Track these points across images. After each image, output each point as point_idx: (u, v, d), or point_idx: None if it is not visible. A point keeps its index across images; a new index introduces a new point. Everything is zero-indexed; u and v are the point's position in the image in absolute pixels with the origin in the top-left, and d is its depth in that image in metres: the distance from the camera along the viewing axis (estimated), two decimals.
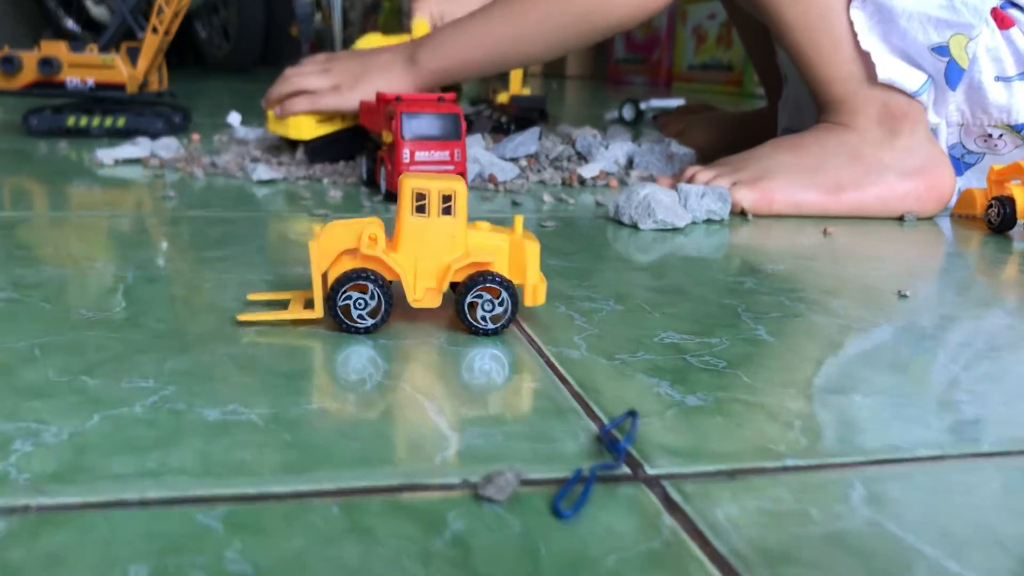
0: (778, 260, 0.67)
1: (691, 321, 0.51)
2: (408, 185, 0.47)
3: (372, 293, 0.46)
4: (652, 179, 1.01)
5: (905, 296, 0.58)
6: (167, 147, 1.07)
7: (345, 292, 0.46)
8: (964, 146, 0.90)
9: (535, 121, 1.14)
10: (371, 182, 0.93)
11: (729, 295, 0.57)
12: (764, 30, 1.02)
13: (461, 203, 0.47)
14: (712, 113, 1.28)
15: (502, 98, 1.76)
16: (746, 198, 0.84)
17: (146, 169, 1.00)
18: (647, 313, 0.52)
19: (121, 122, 1.26)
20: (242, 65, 3.40)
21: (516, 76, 1.73)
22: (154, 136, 1.25)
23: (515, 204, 0.87)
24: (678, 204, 0.78)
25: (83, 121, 1.26)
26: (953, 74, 0.84)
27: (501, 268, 0.48)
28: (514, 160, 1.03)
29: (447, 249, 0.47)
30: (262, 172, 0.94)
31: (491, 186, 0.94)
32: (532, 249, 0.48)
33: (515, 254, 0.48)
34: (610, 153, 1.05)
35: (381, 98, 0.87)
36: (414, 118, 0.82)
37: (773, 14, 0.88)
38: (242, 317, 0.47)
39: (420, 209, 0.47)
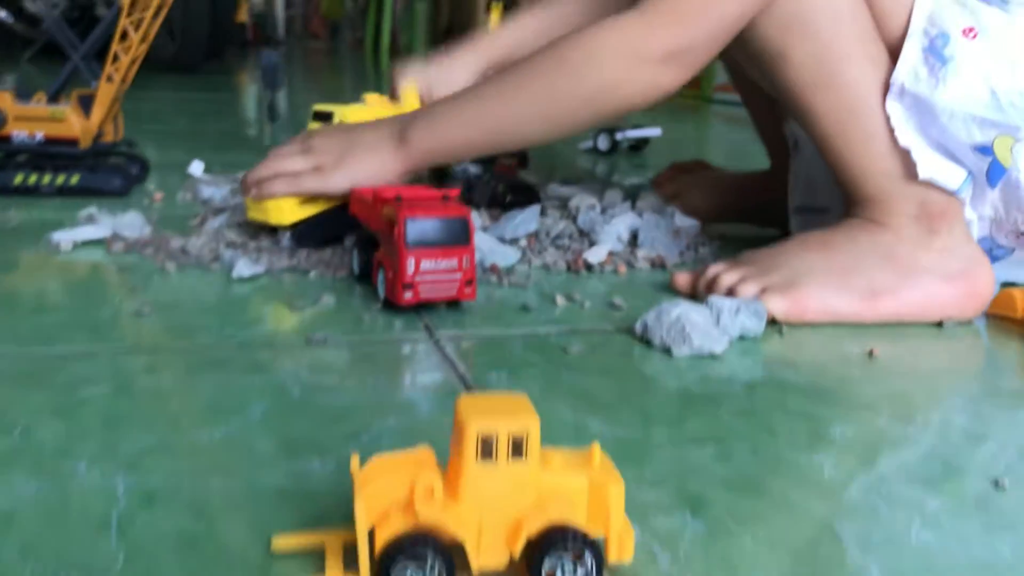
0: (851, 404, 0.61)
1: (793, 555, 0.45)
2: (472, 428, 0.39)
3: (432, 565, 0.38)
4: (663, 264, 0.94)
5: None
6: (131, 225, 0.97)
7: (401, 565, 0.38)
8: (994, 240, 0.85)
9: (534, 191, 1.06)
10: (364, 277, 0.85)
11: (824, 495, 0.51)
12: (771, 99, 0.96)
13: (534, 443, 0.40)
14: (709, 173, 1.22)
15: None
16: (778, 307, 0.77)
17: (109, 255, 0.90)
18: (734, 535, 0.46)
19: (75, 180, 1.15)
20: (189, 64, 3.25)
21: None
22: (113, 193, 1.15)
23: (525, 309, 0.79)
24: (712, 323, 0.71)
25: (32, 179, 1.15)
26: (995, 173, 0.79)
27: (580, 516, 0.41)
28: (514, 240, 0.96)
29: (516, 498, 0.40)
30: (242, 268, 0.85)
31: (493, 278, 0.87)
32: (616, 493, 0.41)
33: (596, 498, 0.41)
34: (612, 228, 0.98)
35: (378, 196, 0.79)
36: (419, 223, 0.74)
37: (799, 101, 0.82)
38: None
39: (486, 454, 0.39)
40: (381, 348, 0.69)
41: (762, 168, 1.18)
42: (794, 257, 0.81)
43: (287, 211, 0.90)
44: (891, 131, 0.79)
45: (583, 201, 1.06)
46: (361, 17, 6.25)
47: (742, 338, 0.74)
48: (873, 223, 0.81)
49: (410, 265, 0.74)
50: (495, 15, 1.69)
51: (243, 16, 5.50)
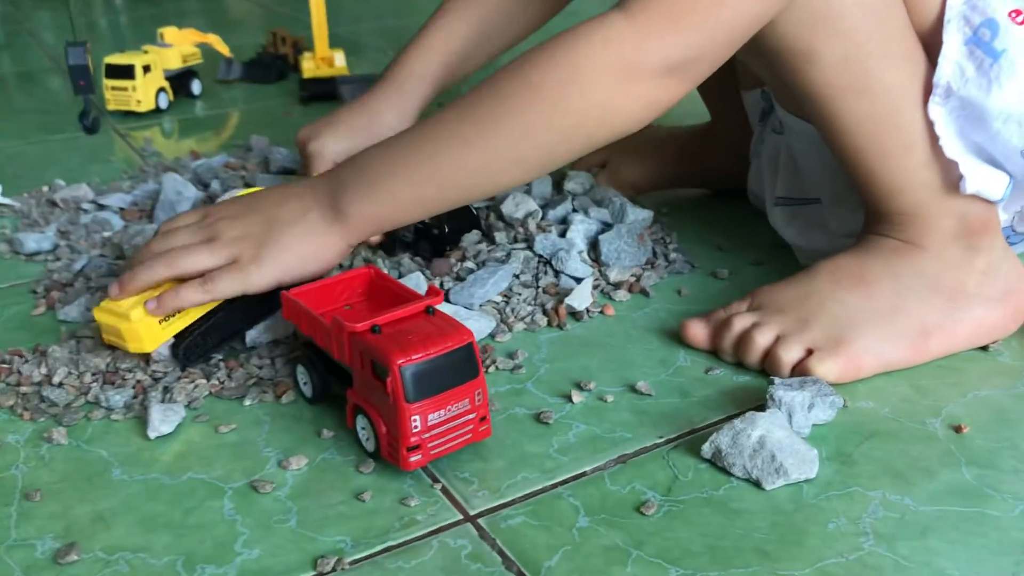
0: None
1: None
2: None
3: None
4: (643, 292, 0.81)
5: None
6: None
7: None
8: (1013, 229, 0.76)
9: (469, 212, 0.87)
10: (316, 399, 0.67)
11: None
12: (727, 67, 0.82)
13: None
14: (636, 135, 1.06)
15: (307, 66, 1.44)
16: (832, 372, 0.66)
17: None
18: None
19: None
20: None
21: (321, 36, 1.41)
22: None
23: (542, 423, 0.64)
24: (796, 437, 0.59)
25: None
26: None
27: None
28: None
29: None
30: (160, 421, 0.64)
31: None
32: None
33: None
34: (574, 251, 0.83)
35: (342, 326, 0.60)
36: (418, 370, 0.57)
37: (826, 107, 0.68)
38: None
39: None
40: (409, 557, 0.53)
41: (692, 123, 1.04)
42: (830, 300, 0.70)
43: (147, 335, 0.68)
44: (932, 139, 0.67)
45: (520, 207, 0.89)
46: None
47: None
48: (910, 245, 0.70)
49: (415, 424, 0.57)
50: None
51: None
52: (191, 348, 0.70)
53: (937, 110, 0.67)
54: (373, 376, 0.59)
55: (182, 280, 0.68)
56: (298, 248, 0.68)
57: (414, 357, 0.57)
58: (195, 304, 0.68)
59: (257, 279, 0.68)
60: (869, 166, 0.69)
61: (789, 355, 0.67)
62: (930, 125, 0.67)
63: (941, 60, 0.66)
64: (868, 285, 0.70)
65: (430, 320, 0.60)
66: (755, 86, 0.87)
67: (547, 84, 0.64)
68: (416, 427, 0.57)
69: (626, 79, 0.64)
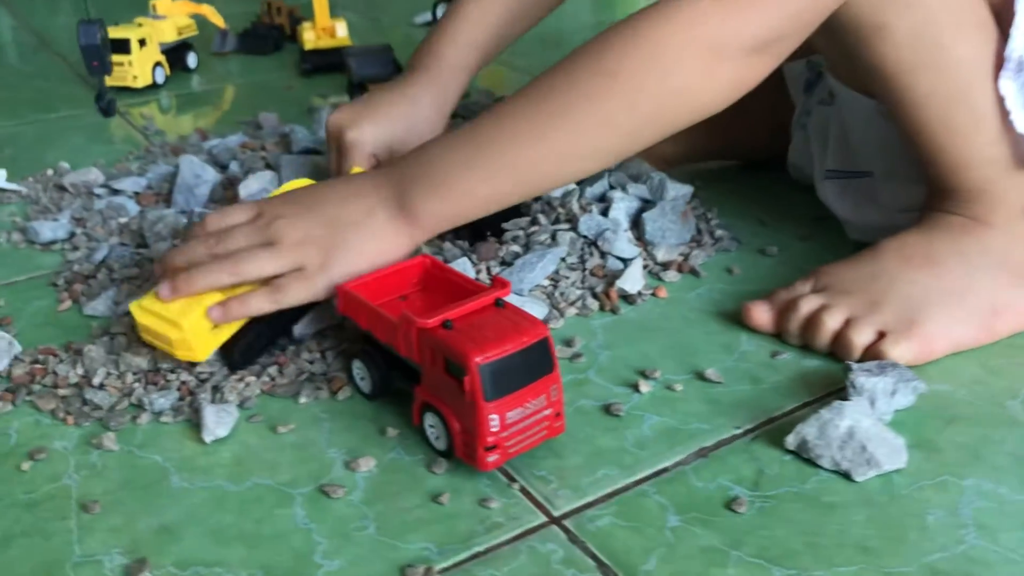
0: None
1: None
2: None
3: None
4: (693, 271, 0.78)
5: None
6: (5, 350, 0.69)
7: None
8: None
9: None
10: (374, 395, 0.64)
11: None
12: None
13: None
14: None
15: (308, 37, 1.39)
16: (905, 354, 0.65)
17: None
18: None
19: None
20: None
21: (322, 6, 1.36)
22: None
23: (611, 414, 0.62)
24: (883, 427, 0.58)
25: None
26: None
27: None
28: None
29: None
30: (215, 423, 0.61)
31: None
32: None
33: None
34: (620, 230, 0.80)
35: (412, 321, 0.57)
36: (497, 367, 0.54)
37: (894, 82, 0.66)
38: None
39: None
40: (500, 564, 0.51)
41: None
42: (899, 280, 0.68)
43: (198, 343, 0.64)
44: (1002, 114, 0.65)
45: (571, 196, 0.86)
46: None
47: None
48: (977, 223, 0.69)
49: (493, 423, 0.55)
50: None
51: None
52: (247, 351, 0.67)
53: (1008, 84, 0.65)
54: (446, 373, 0.56)
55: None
56: (365, 251, 0.65)
57: (492, 354, 0.54)
58: (262, 313, 0.64)
59: (325, 287, 0.64)
60: (937, 142, 0.67)
61: (861, 338, 0.65)
62: (1000, 100, 0.65)
63: (1014, 31, 0.64)
64: (936, 264, 0.68)
65: (501, 313, 0.58)
66: (799, 56, 0.84)
67: (626, 69, 0.62)
68: (495, 426, 0.55)
69: (711, 60, 0.61)
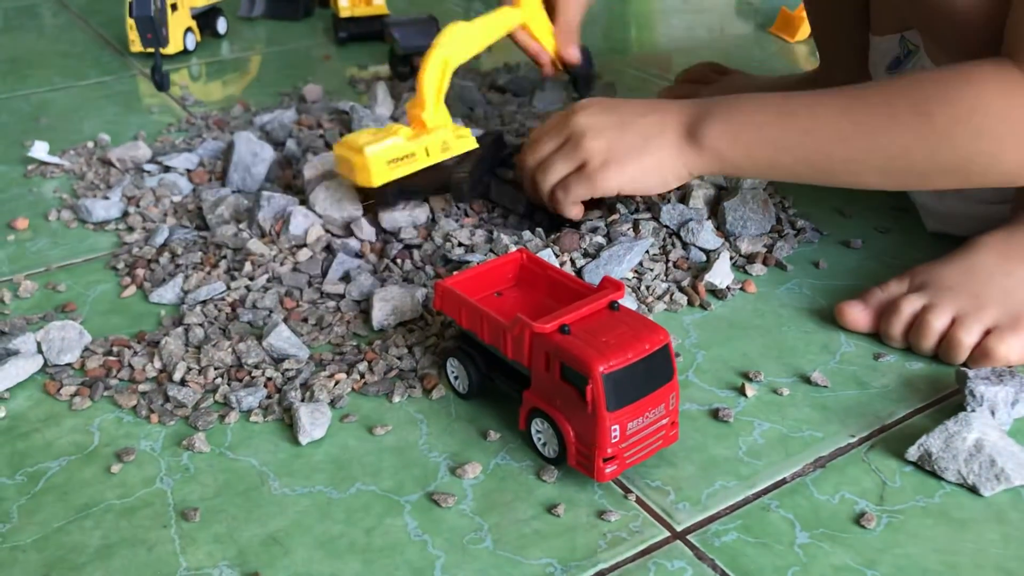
0: None
1: None
2: None
3: None
4: (779, 264, 0.76)
5: None
6: (64, 341, 0.66)
7: None
8: None
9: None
10: (470, 396, 0.62)
11: None
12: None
13: None
14: (733, 81, 1.00)
15: (343, 4, 1.34)
16: (1014, 350, 0.63)
17: (59, 419, 0.61)
18: None
19: None
20: None
21: None
22: None
23: (720, 420, 0.60)
24: (1006, 436, 0.56)
25: None
26: None
27: None
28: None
29: None
30: (311, 425, 0.59)
31: None
32: None
33: None
34: (702, 220, 0.78)
35: (525, 325, 0.55)
36: (620, 377, 0.52)
37: None
38: None
39: None
40: None
41: (794, 72, 0.99)
42: (1000, 274, 0.66)
43: (376, 170, 0.73)
44: None
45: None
46: None
47: None
48: None
49: (614, 434, 0.53)
50: None
51: None
52: (392, 194, 0.76)
53: None
54: (562, 380, 0.54)
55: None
56: (644, 160, 0.69)
57: (615, 363, 0.52)
58: (569, 203, 0.73)
59: (602, 185, 0.70)
60: None
61: (969, 337, 0.63)
62: None
63: None
64: None
65: (618, 317, 0.56)
66: (894, 31, 0.81)
67: (939, 116, 0.62)
68: (615, 437, 0.53)
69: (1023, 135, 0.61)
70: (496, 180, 0.80)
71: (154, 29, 0.88)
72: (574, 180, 0.71)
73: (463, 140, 0.77)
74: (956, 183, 0.66)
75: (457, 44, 0.79)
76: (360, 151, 0.72)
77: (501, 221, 0.80)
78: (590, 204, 0.77)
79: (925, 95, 0.63)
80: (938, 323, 0.65)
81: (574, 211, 0.74)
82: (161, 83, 0.96)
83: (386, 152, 0.73)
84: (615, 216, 0.78)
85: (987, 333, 0.64)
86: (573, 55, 0.91)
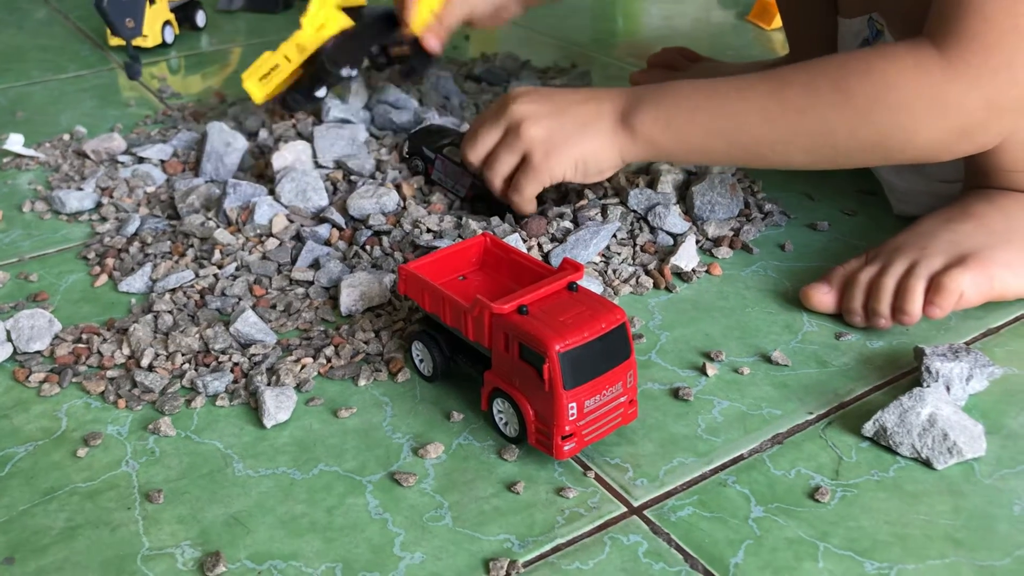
0: None
1: None
2: None
3: None
4: (746, 247, 0.77)
5: None
6: (33, 328, 0.67)
7: None
8: None
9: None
10: (434, 378, 0.63)
11: None
12: None
13: None
14: (702, 67, 1.01)
15: None
16: (964, 280, 0.64)
17: (28, 404, 0.62)
18: None
19: None
20: None
21: None
22: None
23: (680, 399, 0.61)
24: (963, 414, 0.57)
25: None
26: None
27: None
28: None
29: None
30: (275, 407, 0.59)
31: None
32: None
33: None
34: (669, 204, 0.79)
35: (484, 305, 0.55)
36: (576, 355, 0.53)
37: None
38: None
39: None
40: (585, 557, 0.50)
41: (762, 59, 0.99)
42: (943, 230, 0.68)
43: (252, 90, 0.89)
44: None
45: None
46: None
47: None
48: (1014, 191, 0.70)
49: (571, 411, 0.53)
50: None
51: None
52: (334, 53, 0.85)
53: None
54: (520, 360, 0.55)
55: None
56: (582, 148, 0.70)
57: (571, 341, 0.53)
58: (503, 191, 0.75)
59: (548, 175, 0.71)
60: None
61: (919, 282, 0.65)
62: None
63: None
64: (978, 217, 0.70)
65: (576, 298, 0.56)
66: (861, 12, 0.82)
67: (858, 94, 0.64)
68: (572, 415, 0.53)
69: (938, 110, 0.63)
70: (443, 160, 0.81)
71: (107, 20, 0.89)
72: (522, 177, 0.72)
73: (335, 22, 0.87)
74: (877, 159, 0.68)
75: None
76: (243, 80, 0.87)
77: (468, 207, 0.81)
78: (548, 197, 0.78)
79: (845, 73, 0.64)
80: (890, 280, 0.66)
81: (530, 208, 0.75)
82: (130, 72, 0.97)
83: (252, 72, 0.87)
84: (583, 201, 0.79)
85: (946, 269, 0.65)
86: (431, 43, 0.89)
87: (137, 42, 1.27)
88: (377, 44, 0.87)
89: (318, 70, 0.87)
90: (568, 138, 0.70)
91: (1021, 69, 0.61)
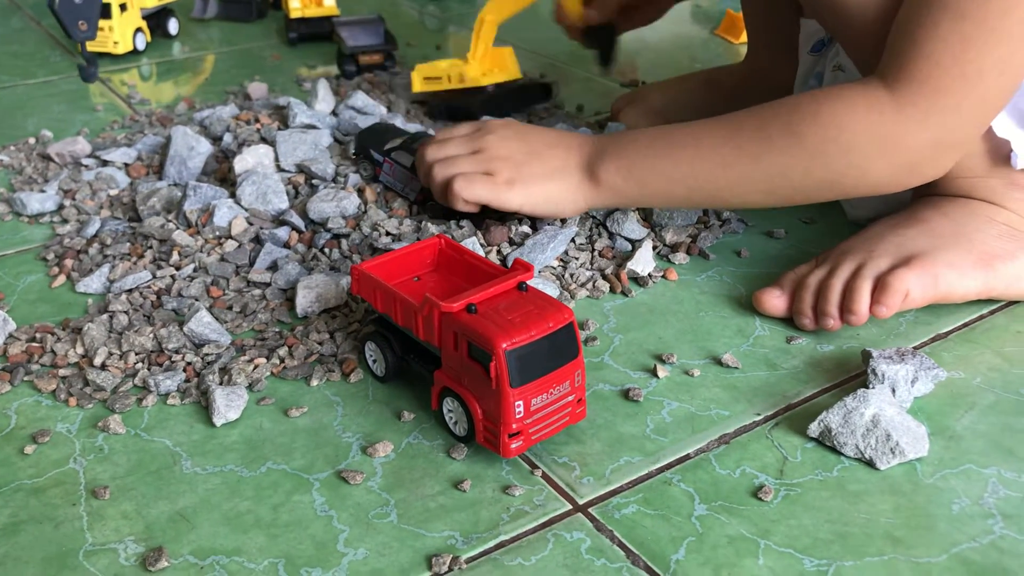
0: None
1: None
2: None
3: None
4: (702, 253, 0.78)
5: None
6: None
7: None
8: None
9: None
10: (387, 378, 0.63)
11: None
12: None
13: None
14: (648, 94, 1.02)
15: (294, 5, 1.35)
16: (909, 279, 0.65)
17: None
18: None
19: None
20: None
21: None
22: None
23: (630, 399, 0.62)
24: (906, 415, 0.58)
25: None
26: None
27: None
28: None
29: None
30: (225, 406, 0.59)
31: None
32: None
33: None
34: (628, 211, 0.79)
35: (433, 304, 0.56)
36: (523, 353, 0.53)
37: None
38: None
39: None
40: (528, 553, 0.50)
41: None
42: (891, 234, 0.70)
43: (415, 82, 1.03)
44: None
45: None
46: None
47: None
48: (960, 198, 0.70)
49: (518, 409, 0.54)
50: None
51: None
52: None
53: None
54: (469, 358, 0.55)
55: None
56: (547, 188, 0.72)
57: (518, 339, 0.53)
58: (457, 195, 0.73)
59: (507, 198, 0.72)
60: None
61: (866, 283, 0.66)
62: None
63: None
64: (924, 222, 0.71)
65: (526, 298, 0.57)
66: None
67: (810, 137, 0.65)
68: (519, 413, 0.54)
69: (888, 149, 0.64)
70: (393, 164, 0.81)
71: (59, 22, 0.89)
72: (480, 179, 0.72)
73: (504, 72, 1.01)
74: (833, 196, 0.70)
75: (495, 6, 0.98)
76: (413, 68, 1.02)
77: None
78: (489, 215, 0.78)
79: (796, 117, 0.66)
80: (838, 282, 0.67)
81: (467, 206, 0.73)
82: (84, 75, 0.97)
83: (426, 70, 1.01)
84: None
85: (892, 271, 0.66)
86: (589, 15, 0.97)
87: (108, 48, 1.27)
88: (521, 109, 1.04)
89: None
90: (534, 177, 0.72)
91: (968, 111, 0.63)
